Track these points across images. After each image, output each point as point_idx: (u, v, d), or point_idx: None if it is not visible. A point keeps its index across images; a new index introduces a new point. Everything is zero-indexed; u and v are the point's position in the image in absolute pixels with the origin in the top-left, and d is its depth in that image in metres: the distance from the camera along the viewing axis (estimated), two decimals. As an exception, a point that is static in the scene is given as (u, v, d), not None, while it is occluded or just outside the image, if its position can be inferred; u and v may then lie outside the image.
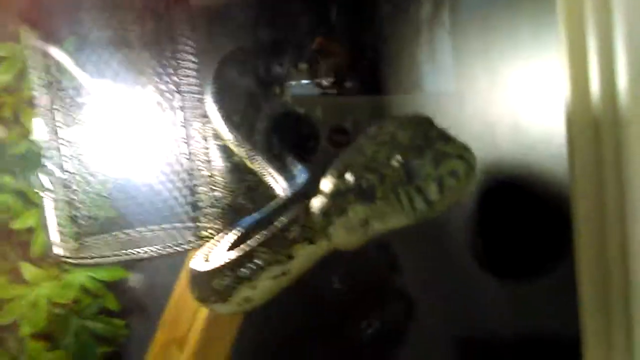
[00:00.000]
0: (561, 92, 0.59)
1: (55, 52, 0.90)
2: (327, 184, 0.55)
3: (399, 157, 0.48)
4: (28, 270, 1.28)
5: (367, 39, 0.96)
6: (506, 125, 0.73)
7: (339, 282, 1.00)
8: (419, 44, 0.87)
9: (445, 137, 0.48)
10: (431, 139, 0.48)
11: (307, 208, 0.60)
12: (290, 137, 1.00)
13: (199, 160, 0.97)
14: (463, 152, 0.47)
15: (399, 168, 0.48)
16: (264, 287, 0.63)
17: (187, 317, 1.14)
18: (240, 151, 0.98)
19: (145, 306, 1.40)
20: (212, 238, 0.84)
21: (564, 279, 0.62)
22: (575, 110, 0.57)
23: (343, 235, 0.57)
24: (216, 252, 0.72)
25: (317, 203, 0.59)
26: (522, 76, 0.70)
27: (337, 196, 0.53)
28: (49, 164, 0.96)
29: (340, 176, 0.53)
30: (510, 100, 0.72)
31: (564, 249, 0.61)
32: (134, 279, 1.38)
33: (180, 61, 0.94)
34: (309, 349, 1.05)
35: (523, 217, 0.72)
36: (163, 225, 0.96)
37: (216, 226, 0.98)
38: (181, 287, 1.20)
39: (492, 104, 0.75)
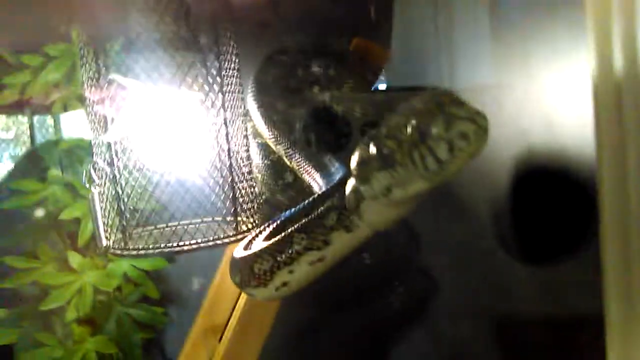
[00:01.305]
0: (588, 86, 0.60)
1: (106, 52, 0.94)
2: (354, 157, 0.58)
3: (413, 121, 0.51)
4: (75, 259, 1.34)
5: (405, 37, 0.97)
6: (539, 119, 0.74)
7: (369, 258, 1.02)
8: (458, 41, 0.88)
9: (457, 103, 0.50)
10: (444, 104, 0.50)
11: (343, 197, 0.63)
12: (329, 135, 1.02)
13: (239, 157, 0.99)
14: (474, 116, 0.49)
15: (413, 131, 0.50)
16: (301, 272, 0.66)
17: (225, 306, 1.18)
18: (279, 149, 1.01)
19: (184, 295, 1.44)
20: (251, 232, 0.87)
21: (589, 265, 0.64)
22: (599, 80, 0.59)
23: (373, 211, 0.60)
24: (257, 241, 0.75)
25: (348, 184, 0.62)
26: (557, 73, 0.72)
27: (362, 165, 0.57)
28: (97, 159, 0.99)
29: (365, 147, 0.56)
30: (545, 95, 0.74)
31: (590, 236, 0.62)
32: (174, 270, 1.43)
33: (223, 62, 0.97)
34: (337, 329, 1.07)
35: (552, 205, 0.74)
36: (204, 219, 0.99)
37: (255, 220, 1.01)
38: (220, 278, 1.24)
39: (528, 99, 0.77)
